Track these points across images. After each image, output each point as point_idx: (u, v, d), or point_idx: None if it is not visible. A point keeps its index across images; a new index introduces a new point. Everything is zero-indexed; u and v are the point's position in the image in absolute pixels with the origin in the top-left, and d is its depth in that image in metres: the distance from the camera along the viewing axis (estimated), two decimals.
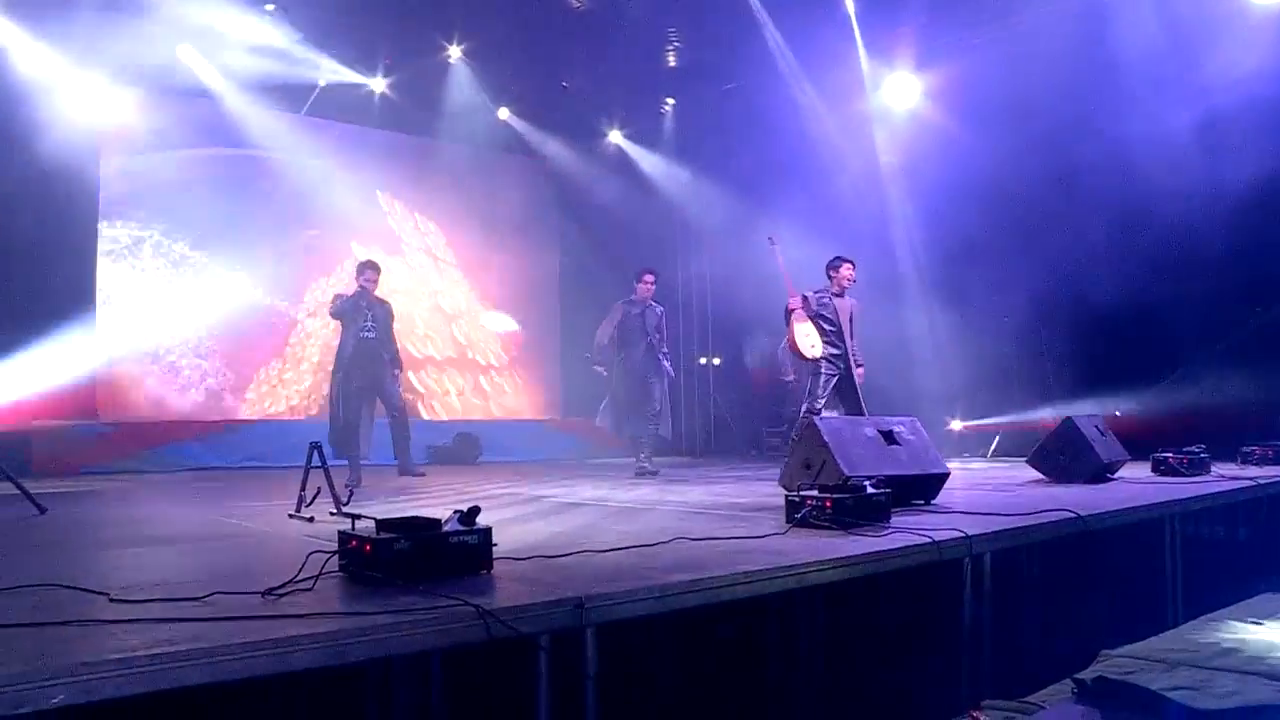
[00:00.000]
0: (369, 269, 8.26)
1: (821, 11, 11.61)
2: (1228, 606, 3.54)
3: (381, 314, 8.25)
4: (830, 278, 7.89)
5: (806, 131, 12.90)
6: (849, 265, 7.86)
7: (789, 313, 7.54)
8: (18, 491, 5.42)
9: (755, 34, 11.77)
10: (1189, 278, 9.79)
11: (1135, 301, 10.38)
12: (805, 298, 7.63)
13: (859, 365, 7.89)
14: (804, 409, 7.53)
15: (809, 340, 7.49)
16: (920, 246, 11.82)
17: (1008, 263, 10.80)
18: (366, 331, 8.02)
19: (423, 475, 7.96)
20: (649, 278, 9.11)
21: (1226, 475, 6.87)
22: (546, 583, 2.76)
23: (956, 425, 12.01)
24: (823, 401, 7.56)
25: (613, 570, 3.00)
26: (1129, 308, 10.45)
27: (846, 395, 7.79)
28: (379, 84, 12.83)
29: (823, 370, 7.60)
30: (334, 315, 8.15)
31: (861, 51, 12.25)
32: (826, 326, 7.67)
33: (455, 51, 12.65)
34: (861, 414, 7.54)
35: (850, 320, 7.85)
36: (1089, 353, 11.05)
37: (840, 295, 7.85)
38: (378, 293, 8.33)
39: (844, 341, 7.73)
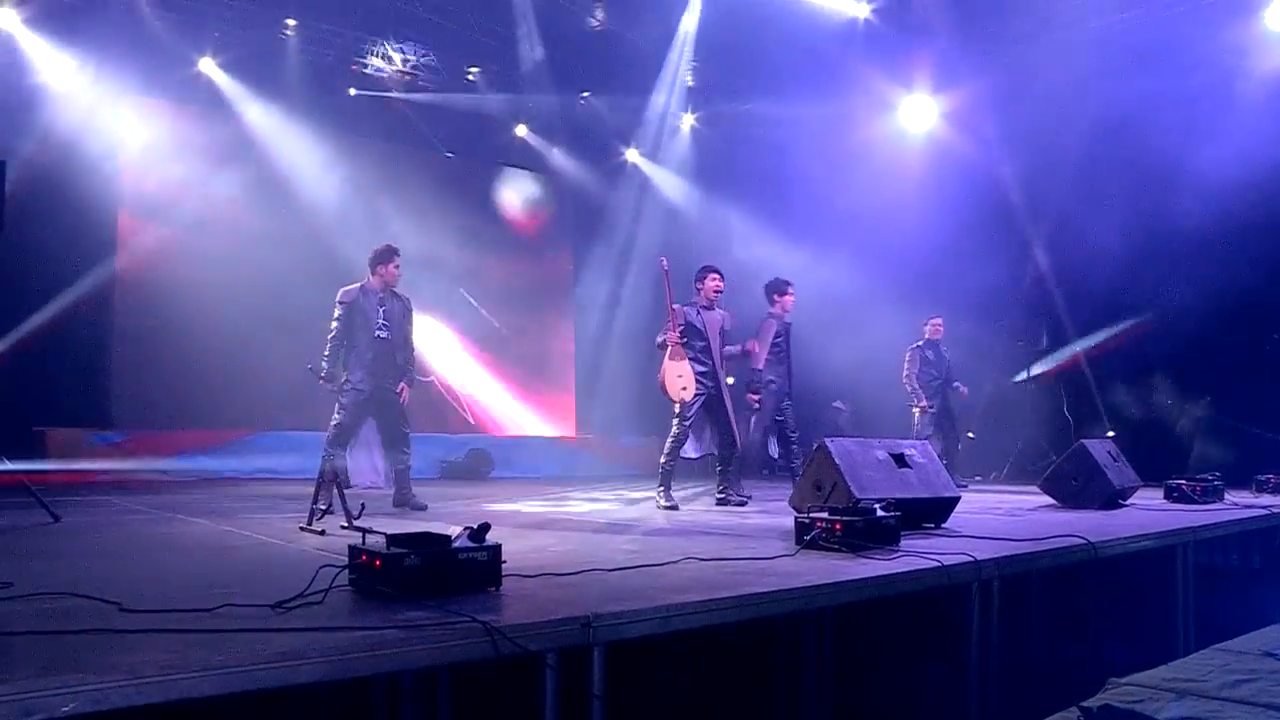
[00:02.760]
0: (390, 256, 6.99)
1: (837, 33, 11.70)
2: (1239, 636, 3.51)
3: (397, 311, 6.96)
4: (697, 290, 7.56)
5: (822, 151, 12.94)
6: (715, 276, 7.52)
7: (661, 345, 7.25)
8: (33, 499, 5.47)
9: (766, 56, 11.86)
10: (1209, 301, 9.75)
11: (1157, 321, 10.39)
12: (674, 309, 7.30)
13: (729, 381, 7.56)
14: (673, 428, 7.26)
15: (681, 383, 7.12)
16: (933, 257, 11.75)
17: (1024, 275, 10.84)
18: (380, 330, 6.80)
19: (423, 509, 6.57)
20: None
21: (1240, 503, 6.83)
22: (555, 601, 2.77)
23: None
24: (690, 421, 7.20)
25: (621, 589, 3.01)
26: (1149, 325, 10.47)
27: (715, 413, 7.41)
28: (401, 99, 12.93)
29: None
30: (342, 318, 6.79)
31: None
32: (696, 342, 7.33)
33: (474, 69, 12.81)
34: (731, 433, 7.36)
35: (721, 334, 7.50)
36: (1108, 367, 11.04)
37: (709, 308, 7.50)
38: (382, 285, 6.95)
39: (711, 358, 7.37)
